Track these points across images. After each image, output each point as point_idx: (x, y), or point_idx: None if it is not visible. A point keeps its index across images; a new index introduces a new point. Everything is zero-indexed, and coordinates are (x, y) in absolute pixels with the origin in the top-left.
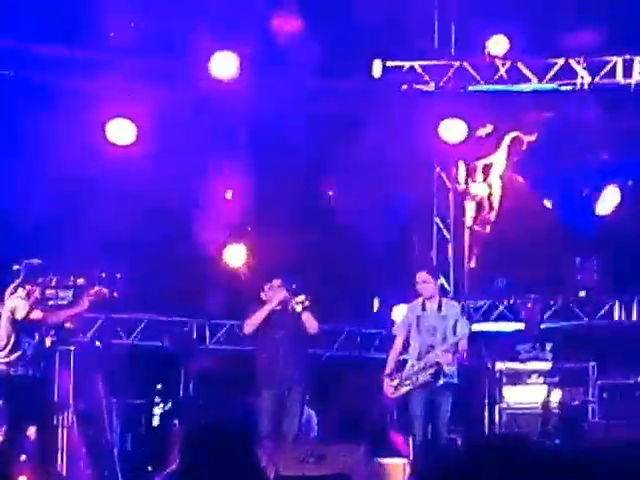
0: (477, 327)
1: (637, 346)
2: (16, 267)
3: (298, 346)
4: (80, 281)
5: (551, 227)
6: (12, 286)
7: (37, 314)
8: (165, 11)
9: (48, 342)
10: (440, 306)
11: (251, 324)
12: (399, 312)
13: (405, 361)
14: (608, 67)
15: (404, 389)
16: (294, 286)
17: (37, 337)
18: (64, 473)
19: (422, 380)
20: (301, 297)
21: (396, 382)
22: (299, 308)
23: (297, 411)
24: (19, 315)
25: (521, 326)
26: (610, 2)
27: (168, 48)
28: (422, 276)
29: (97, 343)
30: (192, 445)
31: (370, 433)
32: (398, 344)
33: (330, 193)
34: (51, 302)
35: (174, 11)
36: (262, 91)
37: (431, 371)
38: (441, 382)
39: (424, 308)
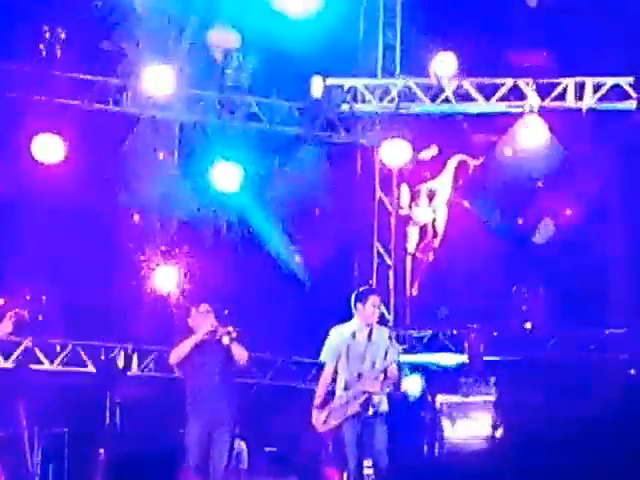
0: (418, 358)
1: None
2: None
3: (227, 377)
4: (1, 302)
5: (497, 255)
6: None
7: None
8: (96, 23)
9: None
10: (371, 333)
11: (177, 354)
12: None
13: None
14: (559, 89)
15: (333, 422)
16: (226, 311)
17: None
18: None
19: (351, 411)
20: (228, 329)
21: (325, 414)
22: (226, 340)
23: (226, 443)
24: None
25: (464, 358)
26: (562, 22)
27: (98, 63)
28: (376, 300)
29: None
30: (116, 474)
31: (302, 467)
32: (327, 373)
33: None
34: None
35: (105, 23)
36: (195, 107)
37: (360, 401)
38: (371, 412)
39: (354, 336)
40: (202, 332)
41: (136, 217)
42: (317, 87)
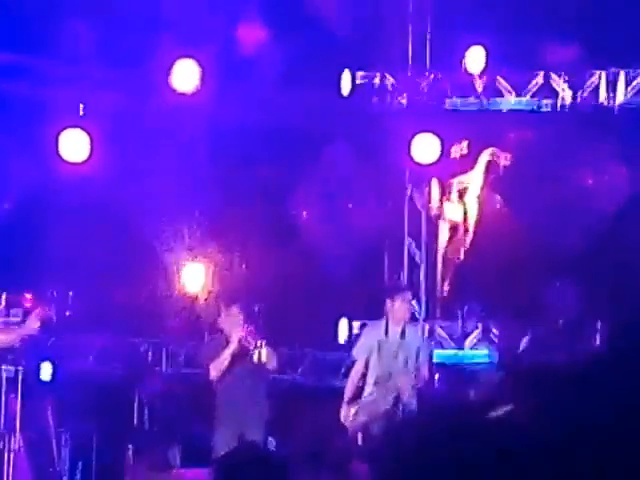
0: (449, 355)
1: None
2: None
3: (258, 381)
4: (28, 299)
5: (530, 251)
6: None
7: None
8: (125, 19)
9: None
10: (404, 331)
11: (216, 370)
12: (365, 333)
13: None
14: (591, 81)
15: (362, 418)
16: (256, 308)
17: None
18: None
19: (381, 408)
20: (255, 343)
21: (354, 410)
22: (256, 357)
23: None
24: None
25: (495, 355)
26: (594, 14)
27: (127, 57)
28: (405, 296)
29: (47, 365)
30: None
31: (334, 463)
32: (359, 369)
33: (304, 214)
34: (0, 319)
35: (134, 19)
36: (225, 104)
37: (390, 399)
38: (400, 410)
39: (387, 333)
40: (234, 343)
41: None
42: (347, 81)
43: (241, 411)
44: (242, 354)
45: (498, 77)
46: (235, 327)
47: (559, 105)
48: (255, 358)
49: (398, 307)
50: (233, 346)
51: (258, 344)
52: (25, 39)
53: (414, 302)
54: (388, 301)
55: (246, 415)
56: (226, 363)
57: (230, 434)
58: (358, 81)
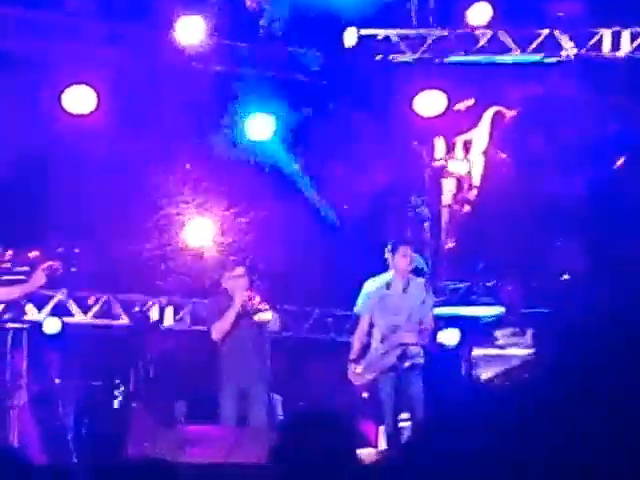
0: (454, 311)
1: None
2: None
3: (261, 339)
4: (34, 254)
5: (535, 206)
6: None
7: None
8: None
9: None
10: (406, 284)
11: (219, 332)
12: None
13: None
14: (595, 39)
15: (369, 375)
16: (261, 266)
17: None
18: None
19: (387, 364)
20: (258, 306)
21: (361, 367)
22: (257, 318)
23: (263, 402)
24: None
25: (501, 310)
26: None
27: (131, 11)
28: (406, 251)
29: (53, 321)
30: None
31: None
32: (363, 325)
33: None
34: (5, 277)
35: None
36: (228, 57)
37: (396, 353)
38: (407, 364)
39: (389, 287)
40: (237, 305)
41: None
42: (351, 38)
43: (245, 369)
44: (245, 315)
45: (502, 32)
46: (239, 289)
47: (564, 58)
48: (257, 319)
49: (399, 261)
50: (236, 309)
51: (261, 307)
52: None
53: (419, 258)
54: (390, 254)
55: (250, 372)
56: (228, 325)
57: (235, 391)
58: (362, 34)
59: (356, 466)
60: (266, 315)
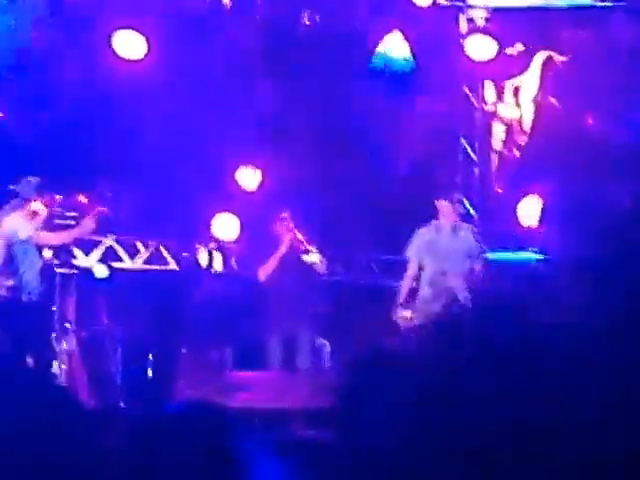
0: (501, 256)
1: None
2: (12, 187)
3: (307, 283)
4: (83, 200)
5: (585, 151)
6: (8, 205)
7: (44, 234)
8: None
9: (49, 263)
10: (454, 230)
11: (265, 272)
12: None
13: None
14: None
15: (417, 320)
16: (310, 212)
17: (40, 259)
18: None
19: (435, 309)
20: (305, 247)
21: (409, 312)
22: (306, 259)
23: (309, 345)
24: (23, 235)
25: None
26: None
27: None
28: (454, 196)
29: (101, 267)
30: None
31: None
32: (412, 270)
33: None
34: (57, 221)
35: None
36: (279, 5)
37: (444, 298)
38: (455, 309)
39: (437, 231)
40: (284, 246)
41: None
42: None
43: (291, 312)
44: (292, 257)
45: None
46: (285, 232)
47: (617, 3)
48: (305, 260)
49: (446, 206)
50: (282, 250)
51: (308, 249)
52: None
53: (467, 203)
54: (437, 201)
55: (296, 316)
56: (273, 265)
57: (280, 334)
58: None
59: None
60: (313, 257)
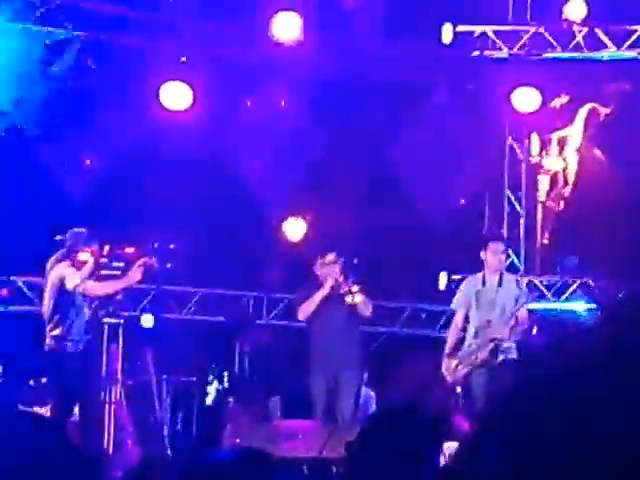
0: (548, 306)
1: None
2: (59, 237)
3: (352, 326)
4: (130, 250)
5: (630, 204)
6: (55, 256)
7: (91, 284)
8: None
9: (96, 314)
10: (501, 280)
11: (306, 311)
12: (464, 283)
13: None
14: None
15: (463, 370)
16: (355, 260)
17: (87, 309)
18: (110, 450)
19: (480, 358)
20: (350, 287)
21: (455, 363)
22: (349, 300)
23: (352, 391)
24: (71, 285)
25: (594, 307)
26: None
27: (228, 8)
28: (497, 247)
29: (148, 317)
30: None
31: (432, 416)
32: (458, 320)
33: (404, 165)
34: (104, 272)
35: None
36: (326, 55)
37: (489, 348)
38: (500, 359)
39: (484, 283)
40: (327, 287)
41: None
42: (447, 34)
43: (335, 354)
44: (336, 298)
45: (597, 29)
46: (330, 273)
47: None
48: (349, 301)
49: (492, 257)
50: (326, 289)
51: (352, 289)
52: None
53: (512, 254)
54: (483, 252)
55: (340, 357)
56: (315, 305)
57: (324, 376)
58: (459, 30)
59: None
60: (357, 297)
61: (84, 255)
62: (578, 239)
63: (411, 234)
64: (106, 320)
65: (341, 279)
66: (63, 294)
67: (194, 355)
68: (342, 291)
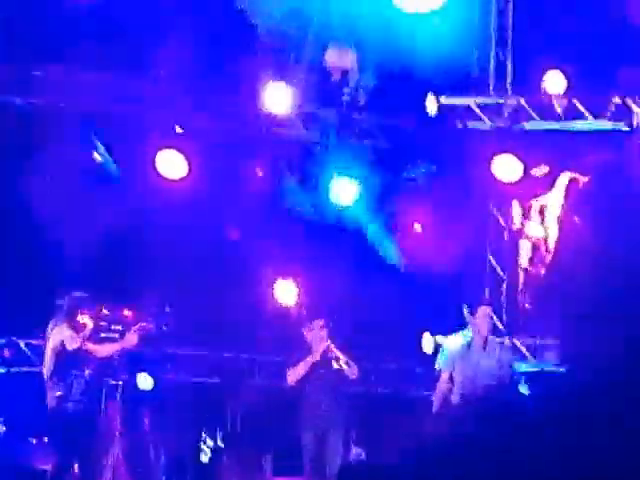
0: (530, 368)
1: None
2: (59, 302)
3: (340, 388)
4: (128, 314)
5: (610, 270)
6: (55, 319)
7: (90, 346)
8: (215, 42)
9: (95, 376)
10: (485, 343)
11: (294, 376)
12: (448, 345)
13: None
14: None
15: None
16: (340, 323)
17: (86, 371)
18: None
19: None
20: (337, 354)
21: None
22: (335, 365)
23: (339, 450)
24: (71, 347)
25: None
26: None
27: (219, 80)
28: (487, 310)
29: (145, 378)
30: None
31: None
32: (443, 381)
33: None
34: (102, 335)
35: (230, 43)
36: (315, 124)
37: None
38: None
39: (469, 346)
40: (316, 353)
41: None
42: (431, 105)
43: (324, 414)
44: (324, 363)
45: (575, 100)
46: (318, 339)
47: (635, 125)
48: (336, 366)
49: (479, 321)
50: (315, 356)
51: (340, 356)
52: (125, 61)
53: (496, 318)
54: (468, 315)
55: (327, 418)
56: (303, 371)
57: (314, 436)
58: (442, 102)
59: None
60: (342, 363)
61: (84, 318)
62: (559, 304)
63: (396, 298)
64: (104, 380)
65: (329, 344)
66: (63, 356)
67: (189, 414)
68: (330, 357)
